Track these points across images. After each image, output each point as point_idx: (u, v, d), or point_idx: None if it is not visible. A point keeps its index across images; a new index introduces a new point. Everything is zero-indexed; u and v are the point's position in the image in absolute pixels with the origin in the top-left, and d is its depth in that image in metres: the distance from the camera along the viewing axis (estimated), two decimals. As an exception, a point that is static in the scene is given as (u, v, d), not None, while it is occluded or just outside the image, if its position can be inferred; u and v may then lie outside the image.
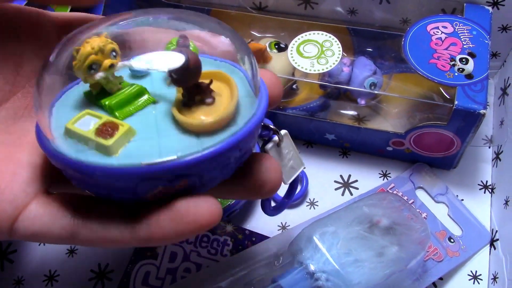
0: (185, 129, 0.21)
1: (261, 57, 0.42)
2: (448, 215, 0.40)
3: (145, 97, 0.23)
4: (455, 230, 0.39)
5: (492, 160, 0.43)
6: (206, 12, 0.50)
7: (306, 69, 0.39)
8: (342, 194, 0.43)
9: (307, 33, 0.41)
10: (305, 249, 0.32)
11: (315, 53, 0.40)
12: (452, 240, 0.38)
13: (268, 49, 0.43)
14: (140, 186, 0.21)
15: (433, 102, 0.37)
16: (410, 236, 0.34)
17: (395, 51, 0.43)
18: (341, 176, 0.44)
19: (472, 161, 0.43)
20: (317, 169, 0.44)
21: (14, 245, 0.43)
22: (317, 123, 0.42)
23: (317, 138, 0.44)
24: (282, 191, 0.29)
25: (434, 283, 0.37)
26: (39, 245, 0.42)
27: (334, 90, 0.44)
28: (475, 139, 0.44)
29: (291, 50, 0.40)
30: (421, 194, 0.41)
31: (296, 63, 0.40)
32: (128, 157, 0.20)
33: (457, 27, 0.39)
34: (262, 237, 0.36)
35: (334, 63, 0.39)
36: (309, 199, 0.42)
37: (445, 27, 0.39)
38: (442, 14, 0.42)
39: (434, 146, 0.40)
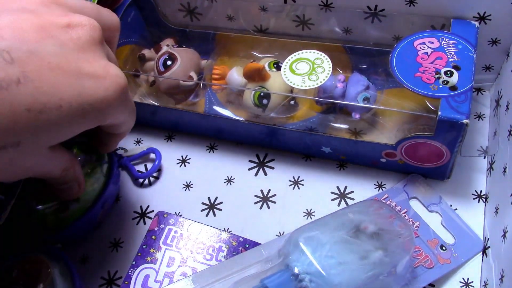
0: None
1: (259, 76, 0.45)
2: (441, 224, 0.41)
3: None
4: (448, 239, 0.40)
5: (487, 170, 0.44)
6: (212, 36, 0.53)
7: (297, 85, 0.41)
8: (338, 205, 0.44)
9: (300, 52, 0.44)
10: (292, 252, 0.33)
11: (307, 70, 0.42)
12: (444, 248, 0.39)
13: (267, 68, 0.46)
14: None
15: (417, 114, 0.39)
16: (395, 242, 0.35)
17: (386, 67, 0.44)
18: (337, 187, 0.45)
19: (467, 172, 0.44)
20: (314, 181, 0.46)
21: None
22: (314, 137, 0.45)
23: (315, 151, 0.46)
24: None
25: (425, 289, 0.38)
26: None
27: (330, 106, 0.46)
28: (470, 149, 0.45)
29: (285, 68, 0.43)
30: (414, 204, 0.43)
31: (288, 79, 0.42)
32: None
33: (443, 42, 0.41)
34: (255, 244, 0.38)
35: (324, 79, 0.41)
36: (306, 209, 0.44)
37: (432, 42, 0.41)
38: (431, 30, 0.43)
39: (424, 157, 0.41)
